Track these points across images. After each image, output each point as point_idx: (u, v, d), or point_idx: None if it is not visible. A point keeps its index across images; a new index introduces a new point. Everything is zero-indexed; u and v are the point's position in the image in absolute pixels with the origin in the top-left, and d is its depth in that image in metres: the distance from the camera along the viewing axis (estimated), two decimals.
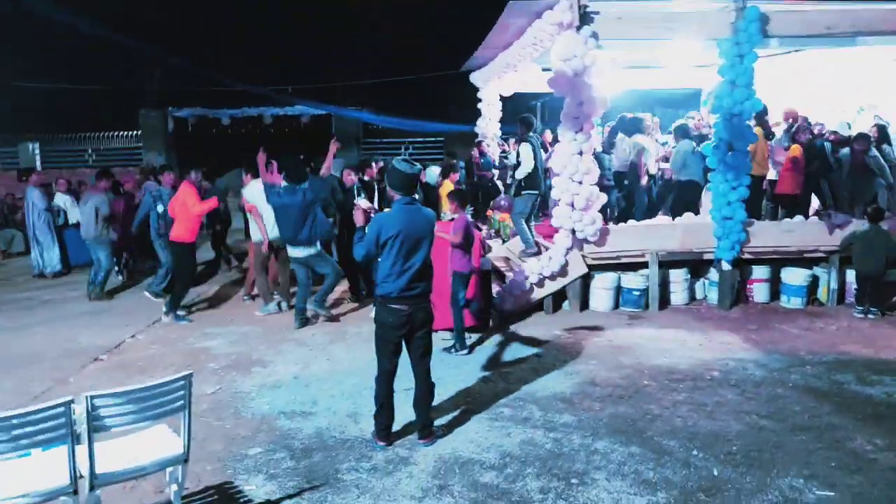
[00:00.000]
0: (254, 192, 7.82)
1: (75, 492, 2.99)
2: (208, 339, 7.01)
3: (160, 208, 8.54)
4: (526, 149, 8.14)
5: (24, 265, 11.59)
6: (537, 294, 7.73)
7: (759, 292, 8.11)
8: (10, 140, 20.25)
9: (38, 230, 10.60)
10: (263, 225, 7.80)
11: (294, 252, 7.26)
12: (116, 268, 9.82)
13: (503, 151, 12.48)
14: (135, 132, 20.95)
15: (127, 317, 7.96)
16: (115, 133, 21.27)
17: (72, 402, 2.96)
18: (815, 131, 9.25)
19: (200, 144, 19.77)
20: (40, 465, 3.07)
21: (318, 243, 7.34)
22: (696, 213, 8.73)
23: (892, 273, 7.77)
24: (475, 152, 12.28)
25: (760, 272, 8.08)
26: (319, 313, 7.44)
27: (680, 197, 8.97)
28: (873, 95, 9.48)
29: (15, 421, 2.82)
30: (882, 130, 8.88)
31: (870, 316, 7.42)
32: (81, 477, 3.01)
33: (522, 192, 8.30)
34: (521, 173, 8.21)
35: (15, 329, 7.64)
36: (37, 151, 21.05)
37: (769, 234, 8.03)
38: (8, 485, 2.96)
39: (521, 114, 8.99)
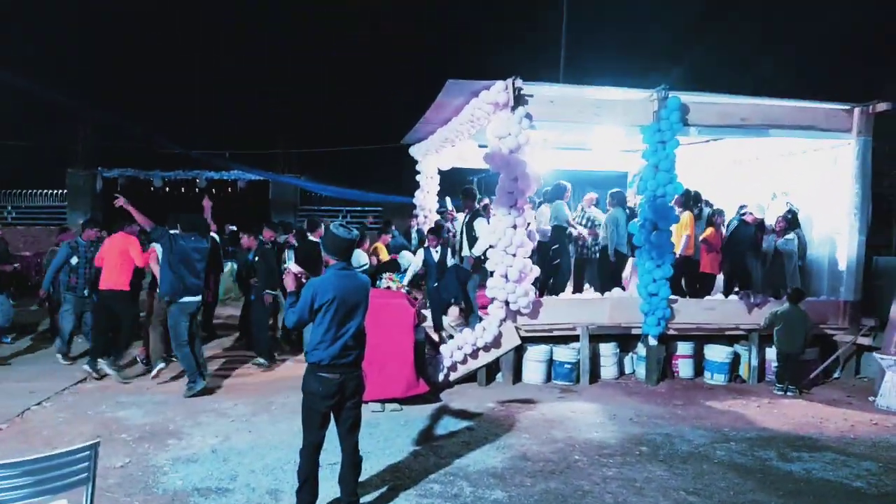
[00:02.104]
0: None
1: None
2: (122, 409, 6.58)
3: (74, 261, 8.13)
4: (483, 223, 8.23)
5: None
6: (471, 365, 7.69)
7: (684, 368, 8.33)
8: None
9: None
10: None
11: (194, 300, 7.19)
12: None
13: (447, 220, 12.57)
14: (60, 191, 20.20)
15: (33, 383, 7.40)
16: (40, 191, 20.43)
17: None
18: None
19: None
20: None
21: None
22: (620, 282, 9.02)
23: (809, 352, 8.17)
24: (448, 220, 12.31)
25: (685, 348, 8.32)
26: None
27: (604, 266, 9.22)
28: (785, 183, 10.17)
29: None
30: (794, 217, 9.49)
31: (788, 393, 7.70)
32: None
33: (482, 267, 8.19)
34: (478, 249, 8.17)
35: None
36: None
37: (692, 312, 8.33)
38: None
39: (462, 187, 9.15)
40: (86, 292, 8.20)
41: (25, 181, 20.14)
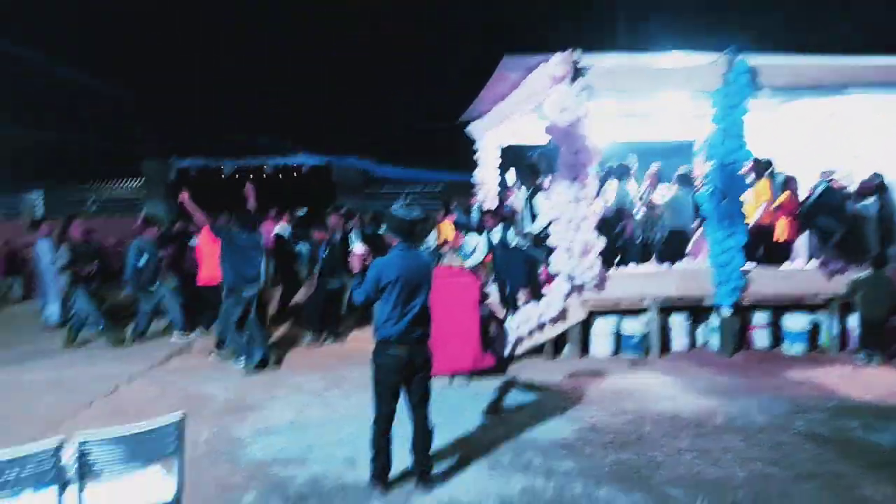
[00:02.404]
0: None
1: None
2: (205, 384, 6.92)
3: (142, 261, 8.59)
4: (542, 199, 8.13)
5: (21, 312, 11.58)
6: (537, 339, 7.68)
7: (761, 338, 8.06)
8: (12, 189, 20.46)
9: (44, 282, 10.42)
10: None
11: (253, 290, 7.53)
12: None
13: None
14: (137, 181, 21.20)
15: (124, 361, 7.87)
16: (118, 182, 21.53)
17: (61, 445, 2.90)
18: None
19: (202, 193, 19.93)
20: None
21: None
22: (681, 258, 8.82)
23: (894, 319, 7.76)
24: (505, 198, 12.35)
25: (761, 318, 8.05)
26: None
27: (668, 243, 9.00)
28: (866, 144, 9.61)
29: (2, 464, 2.76)
30: (880, 181, 8.96)
31: (872, 362, 7.36)
32: None
33: (543, 245, 8.13)
34: (538, 226, 8.10)
35: (10, 373, 7.54)
36: (39, 201, 21.26)
37: (768, 280, 8.03)
38: None
39: (523, 162, 9.05)
40: (157, 284, 8.80)
41: (104, 173, 21.22)
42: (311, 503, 4.21)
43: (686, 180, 9.20)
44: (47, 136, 19.21)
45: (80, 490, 2.93)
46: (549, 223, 7.85)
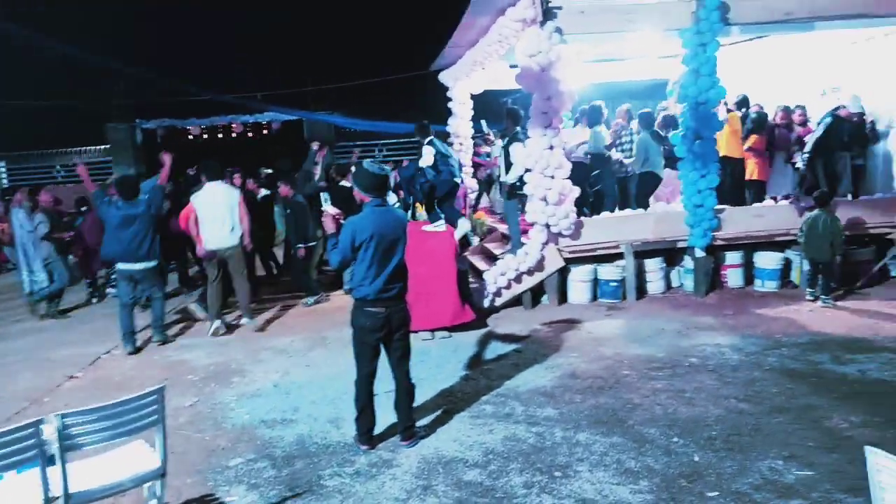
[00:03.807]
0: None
1: None
2: (186, 352, 6.92)
3: None
4: (518, 148, 8.01)
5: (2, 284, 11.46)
6: (515, 290, 7.75)
7: (734, 277, 8.22)
8: None
9: (27, 251, 10.18)
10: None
11: (128, 267, 6.84)
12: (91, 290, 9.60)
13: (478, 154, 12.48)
14: (103, 146, 20.66)
15: (103, 333, 7.81)
16: (84, 148, 20.95)
17: (41, 421, 2.89)
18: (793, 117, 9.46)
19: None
20: (14, 488, 2.99)
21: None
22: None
23: (865, 252, 7.88)
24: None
25: (734, 258, 8.19)
26: (160, 339, 7.24)
27: (642, 188, 9.03)
28: (834, 78, 9.65)
29: None
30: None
31: (820, 303, 7.28)
32: (55, 498, 2.94)
33: (517, 193, 8.03)
34: (512, 176, 8.01)
35: None
36: (2, 170, 20.71)
37: (740, 220, 8.14)
38: None
39: (503, 108, 8.88)
40: None
41: (68, 140, 20.62)
42: (298, 464, 4.27)
43: (648, 122, 9.13)
44: (5, 104, 18.54)
45: (64, 467, 2.93)
46: (524, 172, 7.80)
